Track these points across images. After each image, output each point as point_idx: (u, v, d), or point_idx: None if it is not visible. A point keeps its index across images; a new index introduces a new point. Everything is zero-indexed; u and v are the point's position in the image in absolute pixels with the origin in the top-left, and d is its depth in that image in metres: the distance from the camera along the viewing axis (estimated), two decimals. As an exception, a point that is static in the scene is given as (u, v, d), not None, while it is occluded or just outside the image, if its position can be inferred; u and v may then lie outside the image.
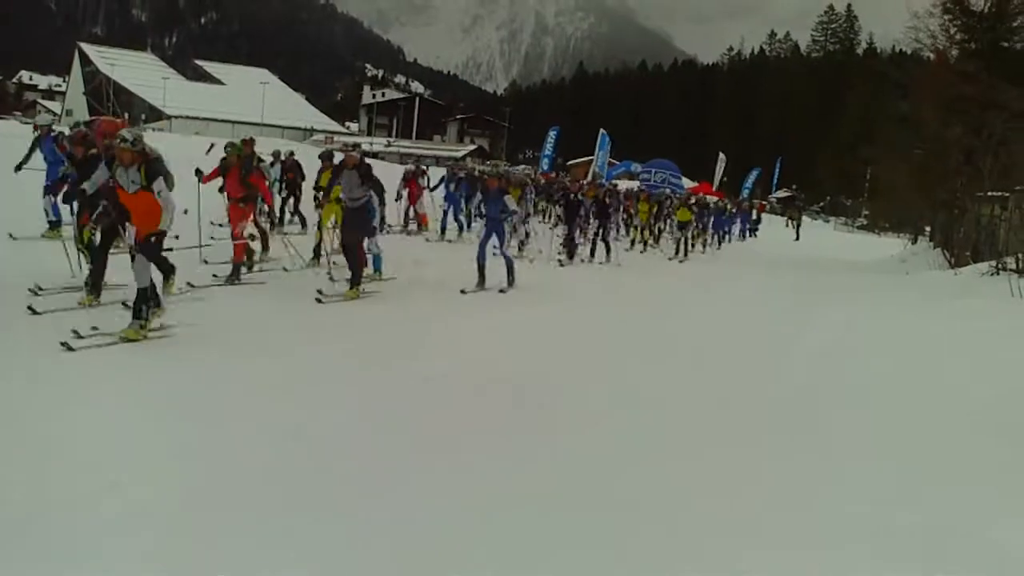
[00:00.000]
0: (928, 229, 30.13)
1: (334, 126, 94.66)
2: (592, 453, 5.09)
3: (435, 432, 5.26)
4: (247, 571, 3.35)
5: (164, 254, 7.17)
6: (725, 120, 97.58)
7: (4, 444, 4.33)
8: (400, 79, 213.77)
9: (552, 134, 45.20)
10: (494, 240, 11.26)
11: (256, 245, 10.56)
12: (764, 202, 56.36)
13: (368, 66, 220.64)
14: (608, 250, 16.58)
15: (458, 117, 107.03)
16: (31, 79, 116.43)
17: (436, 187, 18.00)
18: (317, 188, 13.70)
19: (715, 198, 37.04)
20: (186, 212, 9.55)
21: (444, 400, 6.05)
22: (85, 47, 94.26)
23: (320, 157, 13.73)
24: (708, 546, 3.91)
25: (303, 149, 19.79)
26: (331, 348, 7.30)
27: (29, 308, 7.12)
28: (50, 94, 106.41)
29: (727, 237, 29.89)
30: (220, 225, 11.37)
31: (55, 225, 10.73)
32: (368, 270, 10.34)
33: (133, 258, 6.81)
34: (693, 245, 22.31)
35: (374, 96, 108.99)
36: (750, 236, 35.64)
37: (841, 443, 5.65)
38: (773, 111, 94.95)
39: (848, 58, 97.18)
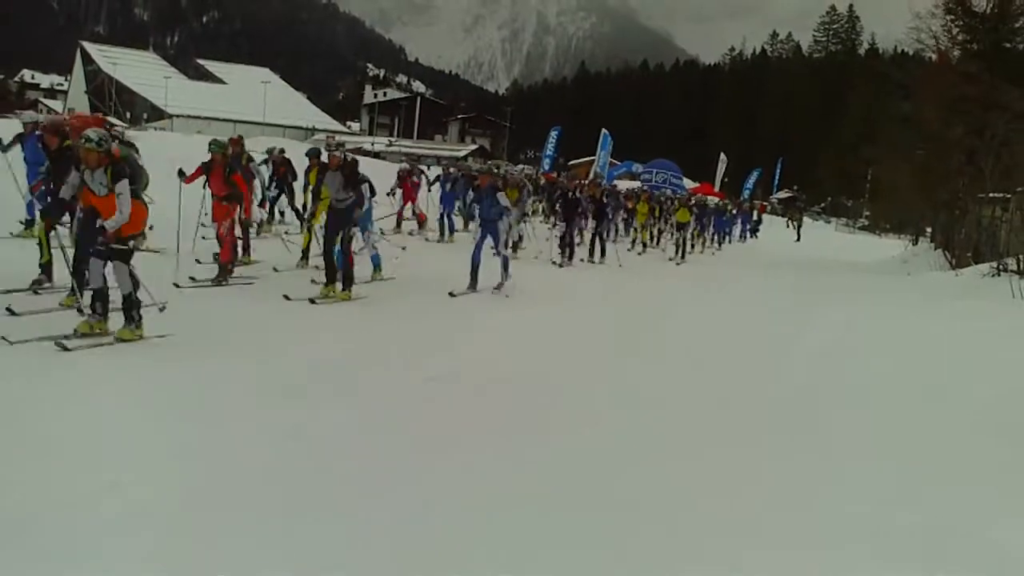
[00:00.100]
0: (929, 230, 30.11)
1: (336, 125, 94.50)
2: (592, 453, 5.10)
3: (435, 432, 5.27)
4: (247, 571, 3.35)
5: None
6: (727, 120, 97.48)
7: (4, 444, 4.33)
8: (402, 79, 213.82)
9: (554, 134, 45.12)
10: (490, 241, 11.06)
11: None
12: (765, 203, 56.35)
13: (370, 65, 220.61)
14: (603, 250, 16.52)
15: (459, 117, 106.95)
16: (33, 78, 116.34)
17: (433, 183, 17.97)
18: (306, 186, 13.69)
19: (716, 198, 37.04)
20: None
21: (444, 400, 6.05)
22: (87, 46, 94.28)
23: (307, 155, 13.60)
24: (708, 546, 3.91)
25: (303, 148, 19.67)
26: (330, 348, 7.30)
27: (8, 309, 6.97)
28: (52, 93, 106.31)
29: (727, 238, 29.88)
30: (204, 225, 11.24)
31: (29, 224, 10.46)
32: (368, 269, 10.25)
33: (103, 256, 6.51)
34: (693, 246, 22.29)
35: (375, 96, 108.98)
36: (751, 237, 35.62)
37: (841, 443, 5.66)
38: (775, 111, 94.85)
39: (850, 58, 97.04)
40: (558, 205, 16.78)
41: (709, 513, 4.27)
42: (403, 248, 12.78)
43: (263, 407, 5.38)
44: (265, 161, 14.51)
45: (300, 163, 14.19)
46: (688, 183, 42.46)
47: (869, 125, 50.87)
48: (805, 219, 47.68)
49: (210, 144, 9.97)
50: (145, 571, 3.29)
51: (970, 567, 3.86)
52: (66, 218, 8.00)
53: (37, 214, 8.90)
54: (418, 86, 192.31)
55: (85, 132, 6.47)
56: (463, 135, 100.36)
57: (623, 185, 33.11)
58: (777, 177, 70.19)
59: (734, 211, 33.66)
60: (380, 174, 18.66)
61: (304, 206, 14.27)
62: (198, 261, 10.07)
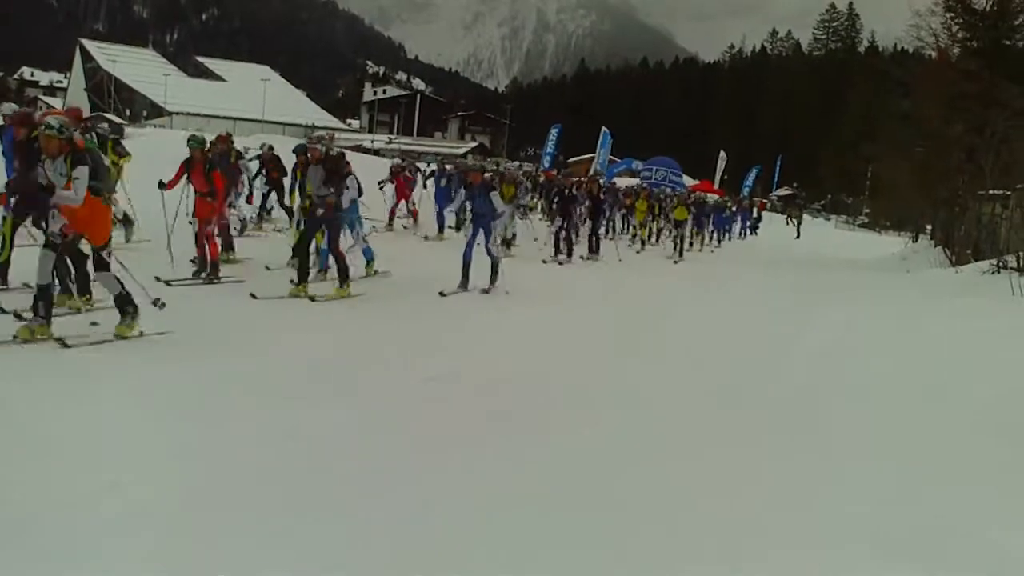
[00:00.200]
0: (929, 227, 30.09)
1: (335, 123, 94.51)
2: (592, 453, 5.10)
3: (435, 432, 5.27)
4: (247, 571, 3.35)
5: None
6: (726, 118, 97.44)
7: (4, 444, 4.33)
8: (401, 76, 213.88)
9: (554, 132, 45.12)
10: (481, 238, 10.87)
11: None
12: (765, 200, 56.34)
13: (369, 63, 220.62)
14: (597, 247, 16.45)
15: (459, 114, 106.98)
16: (32, 75, 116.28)
17: (428, 179, 17.92)
18: (293, 184, 13.61)
19: (716, 196, 37.02)
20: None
21: (444, 400, 6.04)
22: (86, 43, 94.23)
23: (295, 152, 13.47)
24: (708, 546, 3.91)
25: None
26: (330, 348, 7.30)
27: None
28: (51, 90, 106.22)
29: (727, 235, 29.86)
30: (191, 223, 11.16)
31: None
32: (359, 264, 10.14)
33: (54, 248, 6.31)
34: (691, 244, 22.25)
35: (375, 93, 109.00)
36: (751, 234, 35.60)
37: (841, 443, 5.65)
38: (775, 109, 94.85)
39: (850, 56, 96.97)
40: (555, 203, 16.74)
41: (709, 513, 4.27)
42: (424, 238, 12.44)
43: (263, 407, 5.37)
44: (256, 159, 14.45)
45: (290, 160, 14.17)
46: (688, 180, 42.47)
47: (869, 123, 50.87)
48: (805, 216, 47.70)
49: (188, 140, 9.84)
50: (145, 571, 3.29)
51: (970, 567, 3.86)
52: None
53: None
54: (418, 83, 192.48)
55: (45, 119, 6.29)
56: (463, 132, 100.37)
57: (622, 183, 33.11)
58: (777, 174, 70.22)
59: (734, 208, 33.64)
60: (379, 171, 18.73)
61: (283, 204, 14.30)
62: (193, 261, 9.94)
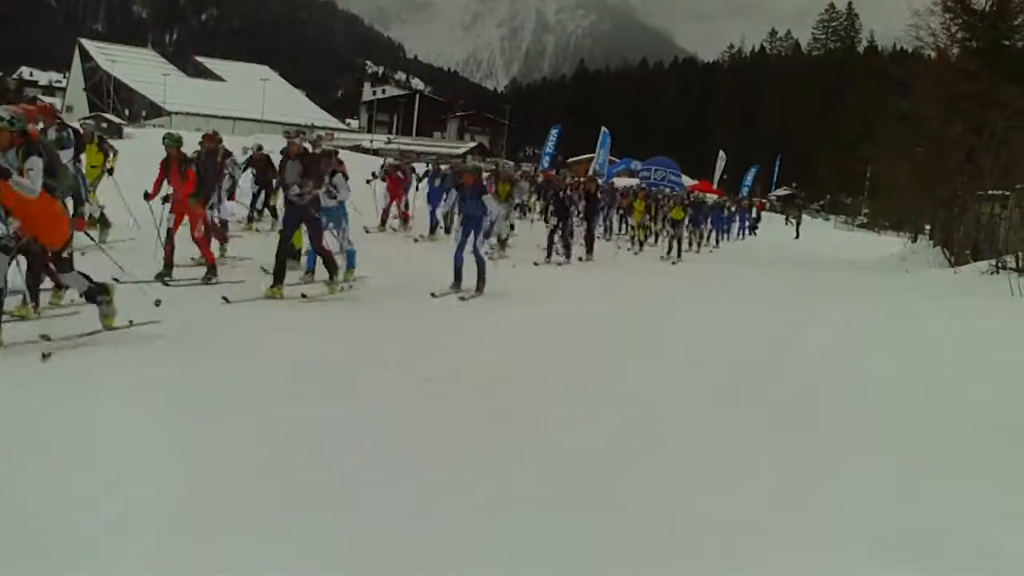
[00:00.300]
0: (928, 228, 30.12)
1: (334, 123, 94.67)
2: (592, 453, 5.09)
3: (435, 432, 5.26)
4: (247, 571, 3.35)
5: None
6: (726, 118, 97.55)
7: (4, 444, 4.32)
8: (400, 76, 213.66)
9: (554, 132, 45.18)
10: (470, 239, 10.59)
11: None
12: (764, 200, 56.40)
13: (368, 63, 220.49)
14: (591, 248, 16.36)
15: (458, 114, 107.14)
16: (31, 75, 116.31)
17: (422, 179, 17.86)
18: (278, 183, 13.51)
19: (715, 196, 37.05)
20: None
21: (444, 400, 6.03)
22: (85, 43, 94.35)
23: (282, 152, 13.44)
24: (708, 546, 3.91)
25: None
26: (329, 348, 7.28)
27: None
28: (50, 90, 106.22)
29: (725, 235, 29.83)
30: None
31: None
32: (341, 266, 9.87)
33: (6, 251, 5.96)
34: (691, 244, 22.21)
35: (374, 93, 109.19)
36: (750, 235, 35.59)
37: (841, 443, 5.65)
38: (774, 109, 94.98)
39: (849, 56, 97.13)
40: (551, 204, 16.62)
41: (709, 513, 4.27)
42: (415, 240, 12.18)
43: (262, 407, 5.37)
44: (247, 160, 14.39)
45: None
46: (687, 180, 42.55)
47: (868, 123, 50.89)
48: (804, 217, 47.74)
49: (164, 138, 9.63)
50: (145, 571, 3.29)
51: (970, 567, 3.86)
52: None
53: None
54: (417, 83, 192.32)
55: None
56: (462, 133, 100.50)
57: (621, 183, 33.12)
58: (776, 175, 70.29)
59: (732, 208, 33.60)
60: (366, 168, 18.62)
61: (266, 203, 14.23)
62: (193, 259, 9.88)
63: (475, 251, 10.56)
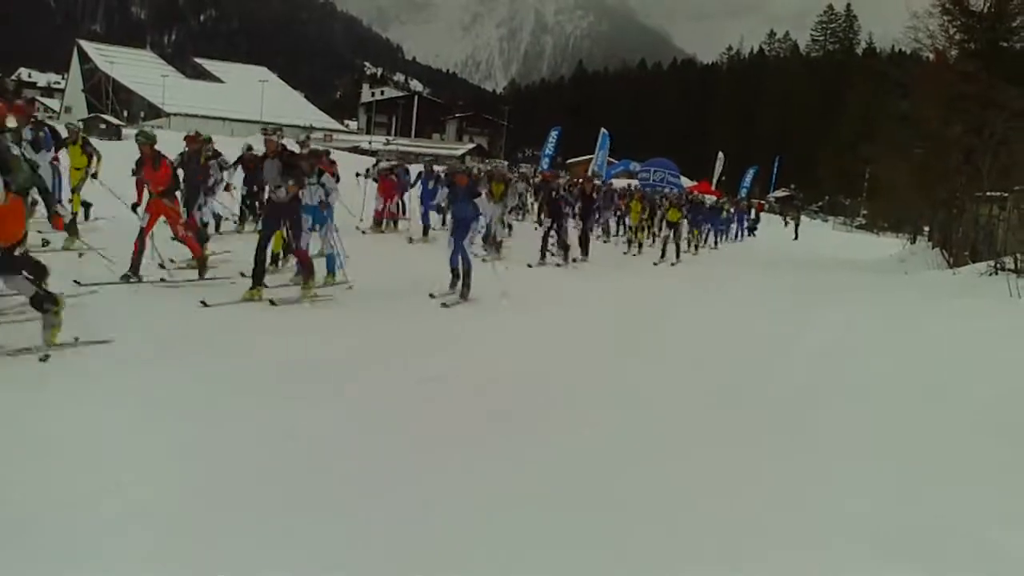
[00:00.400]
0: (927, 229, 30.15)
1: (333, 124, 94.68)
2: (592, 453, 5.10)
3: (435, 432, 5.26)
4: (247, 571, 3.35)
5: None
6: (725, 119, 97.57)
7: (4, 444, 4.32)
8: (399, 77, 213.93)
9: (554, 134, 45.23)
10: (463, 240, 10.28)
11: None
12: (763, 201, 56.41)
13: (367, 64, 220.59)
14: (586, 249, 16.17)
15: (457, 116, 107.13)
16: (30, 76, 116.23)
17: (414, 183, 17.80)
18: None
19: (714, 197, 37.03)
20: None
21: (444, 400, 6.04)
22: (84, 44, 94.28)
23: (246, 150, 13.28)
24: (708, 546, 3.92)
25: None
26: (329, 348, 7.28)
27: None
28: (49, 91, 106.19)
29: (724, 237, 29.74)
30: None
31: None
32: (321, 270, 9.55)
33: None
34: (690, 244, 22.11)
35: (373, 94, 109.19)
36: (749, 236, 35.53)
37: (841, 443, 5.66)
38: (773, 110, 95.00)
39: (848, 58, 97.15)
40: (545, 204, 16.32)
41: (709, 513, 4.27)
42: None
43: (262, 407, 5.37)
44: (237, 160, 14.28)
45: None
46: (686, 182, 42.57)
47: (867, 124, 50.90)
48: (803, 218, 47.75)
49: (136, 135, 9.43)
50: (145, 571, 3.29)
51: (970, 567, 3.87)
52: None
53: None
54: (416, 85, 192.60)
55: None
56: (461, 134, 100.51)
57: (620, 184, 33.09)
58: (775, 176, 70.37)
59: (731, 209, 33.50)
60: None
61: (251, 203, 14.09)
62: (172, 260, 9.58)
63: (463, 254, 10.27)
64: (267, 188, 9.59)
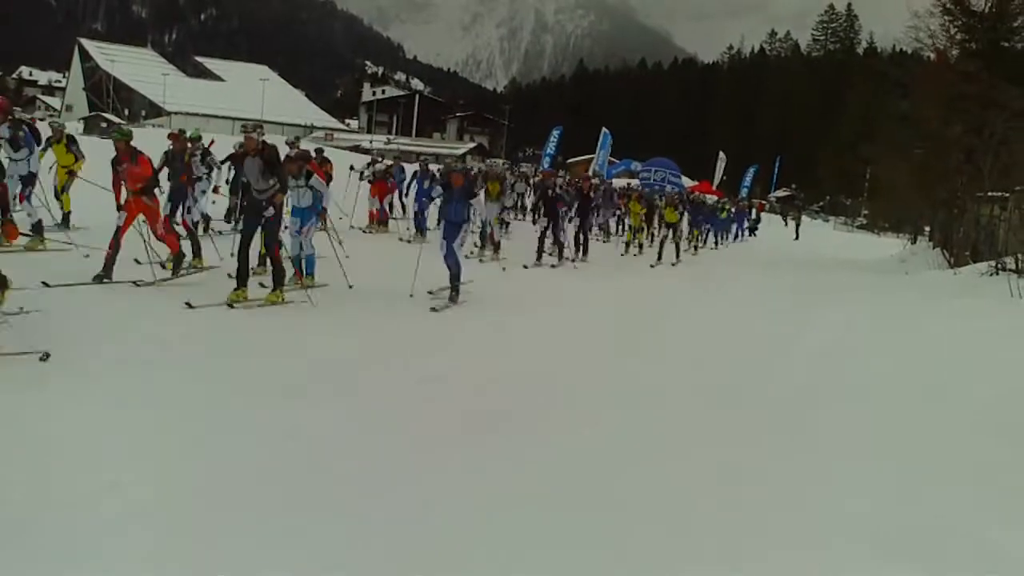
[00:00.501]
0: (927, 229, 30.12)
1: (334, 123, 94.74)
2: (592, 453, 5.10)
3: (435, 432, 5.27)
4: (247, 571, 3.35)
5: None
6: (725, 119, 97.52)
7: (4, 444, 4.32)
8: (400, 76, 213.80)
9: (555, 133, 45.20)
10: (455, 241, 10.06)
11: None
12: (763, 201, 56.38)
13: (368, 63, 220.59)
14: (586, 248, 16.08)
15: (458, 115, 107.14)
16: (31, 75, 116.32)
17: (410, 183, 17.74)
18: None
19: (715, 197, 36.98)
20: None
21: (444, 400, 6.04)
22: (85, 43, 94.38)
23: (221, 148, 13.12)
24: (708, 546, 3.92)
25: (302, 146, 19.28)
26: (328, 348, 7.28)
27: None
28: (50, 90, 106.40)
29: (725, 237, 29.62)
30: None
31: None
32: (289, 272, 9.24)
33: None
34: (690, 245, 22.03)
35: (374, 93, 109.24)
36: (750, 236, 35.45)
37: (841, 443, 5.66)
38: (774, 110, 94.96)
39: (848, 57, 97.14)
40: (540, 203, 16.03)
41: (709, 513, 4.27)
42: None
43: (262, 407, 5.37)
44: (228, 158, 14.20)
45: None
46: (687, 181, 42.54)
47: (868, 124, 50.85)
48: (804, 218, 47.70)
49: (112, 132, 9.23)
50: (145, 571, 3.29)
51: (970, 567, 3.86)
52: None
53: None
54: (416, 84, 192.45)
55: None
56: (461, 133, 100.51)
57: (620, 183, 33.05)
58: (776, 175, 70.32)
59: (732, 210, 33.36)
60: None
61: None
62: (136, 261, 9.16)
63: (452, 256, 10.00)
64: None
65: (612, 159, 46.94)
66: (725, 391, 6.95)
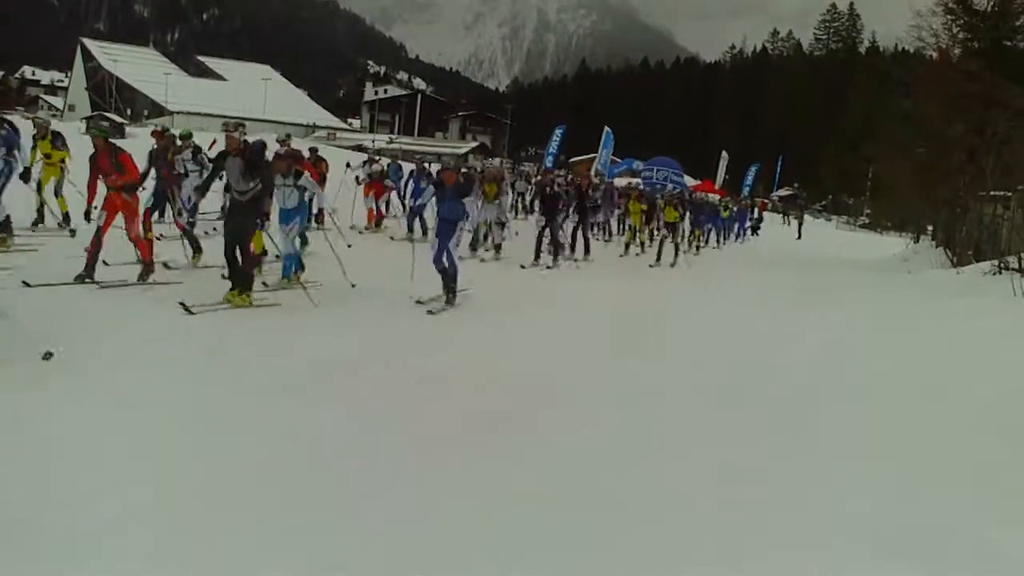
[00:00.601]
0: (930, 228, 30.06)
1: (336, 122, 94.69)
2: (592, 453, 5.10)
3: (434, 432, 5.27)
4: (247, 571, 3.36)
5: None
6: (728, 118, 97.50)
7: (4, 444, 4.33)
8: (402, 76, 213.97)
9: (558, 132, 45.21)
10: (450, 242, 9.75)
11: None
12: (766, 200, 56.32)
13: (370, 63, 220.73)
14: (587, 247, 15.91)
15: (460, 114, 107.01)
16: (33, 75, 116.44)
17: (407, 182, 17.68)
18: None
19: (717, 196, 36.92)
20: None
21: (444, 400, 6.04)
22: (87, 43, 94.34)
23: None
24: (708, 546, 3.92)
25: (302, 145, 19.21)
26: (328, 348, 7.28)
27: None
28: (52, 89, 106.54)
29: (726, 236, 29.54)
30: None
31: None
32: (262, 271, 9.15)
33: None
34: (690, 244, 21.94)
35: (376, 93, 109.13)
36: (752, 235, 35.37)
37: (841, 443, 5.66)
38: (776, 109, 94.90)
39: (851, 56, 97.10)
40: (538, 202, 15.86)
41: (709, 513, 4.27)
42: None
43: (262, 407, 5.38)
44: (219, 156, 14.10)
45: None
46: (689, 181, 42.49)
47: (870, 123, 50.80)
48: (806, 217, 47.61)
49: (90, 129, 9.08)
50: (145, 571, 3.30)
51: (970, 567, 3.86)
52: None
53: None
54: (419, 83, 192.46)
55: None
56: (464, 132, 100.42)
57: (620, 182, 33.01)
58: (778, 175, 70.27)
59: (735, 209, 33.24)
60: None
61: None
62: (105, 263, 8.88)
63: (448, 257, 9.71)
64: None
65: (614, 158, 46.87)
66: (725, 391, 6.94)
